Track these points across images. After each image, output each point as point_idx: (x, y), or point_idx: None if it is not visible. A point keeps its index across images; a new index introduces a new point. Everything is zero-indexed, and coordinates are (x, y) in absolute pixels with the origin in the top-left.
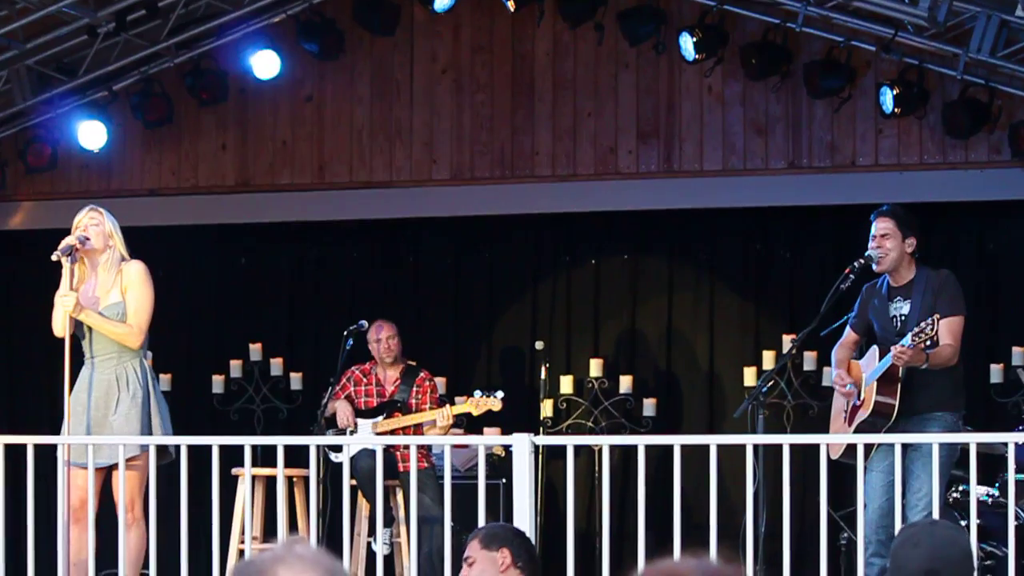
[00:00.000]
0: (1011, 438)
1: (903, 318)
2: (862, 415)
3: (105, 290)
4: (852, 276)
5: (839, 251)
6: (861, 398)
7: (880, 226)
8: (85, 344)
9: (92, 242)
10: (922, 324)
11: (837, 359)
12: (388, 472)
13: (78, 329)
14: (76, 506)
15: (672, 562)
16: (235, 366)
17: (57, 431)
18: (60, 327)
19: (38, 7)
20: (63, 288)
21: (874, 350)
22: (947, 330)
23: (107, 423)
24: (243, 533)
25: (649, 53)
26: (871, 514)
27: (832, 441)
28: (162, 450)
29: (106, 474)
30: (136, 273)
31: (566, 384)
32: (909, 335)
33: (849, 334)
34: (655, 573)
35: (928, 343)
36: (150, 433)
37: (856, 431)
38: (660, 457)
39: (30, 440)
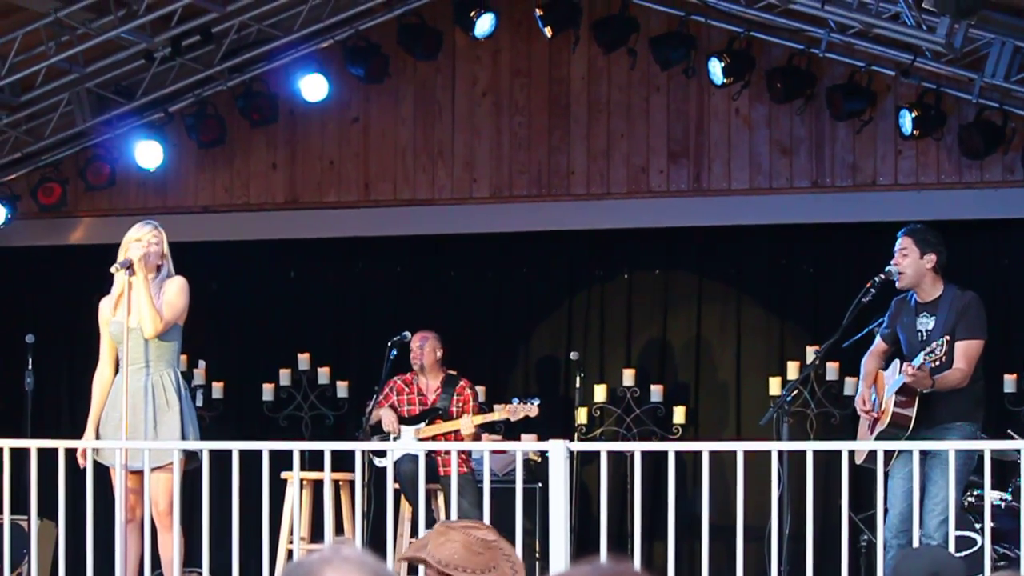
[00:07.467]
0: (1023, 445)
1: (928, 333)
2: (881, 426)
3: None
4: (872, 290)
5: (860, 266)
6: (882, 409)
7: (899, 243)
8: (121, 352)
9: (150, 259)
10: (933, 345)
11: (866, 370)
12: (430, 476)
13: (116, 337)
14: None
15: (568, 570)
16: (284, 375)
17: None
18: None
19: (97, 33)
20: (111, 297)
21: (897, 363)
22: (962, 353)
23: (144, 432)
24: (292, 534)
25: (680, 77)
26: (892, 518)
27: (852, 448)
28: (191, 456)
29: (141, 479)
30: (176, 284)
31: (600, 393)
32: (921, 354)
33: (878, 344)
34: None
35: (938, 363)
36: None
37: (877, 440)
38: (690, 463)
39: (88, 444)
